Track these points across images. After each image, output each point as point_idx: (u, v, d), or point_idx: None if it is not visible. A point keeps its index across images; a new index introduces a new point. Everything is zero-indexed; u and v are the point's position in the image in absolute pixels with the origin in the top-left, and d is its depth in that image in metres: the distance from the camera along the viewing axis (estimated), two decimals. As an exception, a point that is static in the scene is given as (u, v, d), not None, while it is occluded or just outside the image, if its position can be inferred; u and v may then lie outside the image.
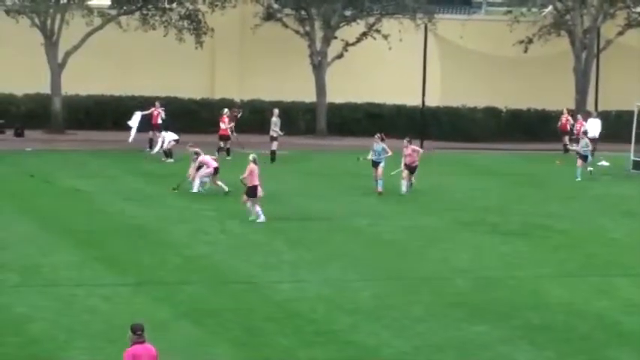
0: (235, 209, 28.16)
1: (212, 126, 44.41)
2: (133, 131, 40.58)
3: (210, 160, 30.12)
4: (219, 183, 30.14)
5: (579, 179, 35.26)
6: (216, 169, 30.09)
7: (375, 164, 31.24)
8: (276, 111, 39.66)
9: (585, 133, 38.50)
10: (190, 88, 47.20)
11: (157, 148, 38.73)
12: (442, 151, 43.35)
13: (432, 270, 22.34)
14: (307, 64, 46.81)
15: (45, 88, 45.64)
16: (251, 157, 26.67)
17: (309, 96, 47.04)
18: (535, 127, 46.55)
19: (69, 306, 18.74)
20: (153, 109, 40.92)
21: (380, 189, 30.93)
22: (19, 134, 44.43)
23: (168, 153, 37.61)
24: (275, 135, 38.76)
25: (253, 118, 42.03)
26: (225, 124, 39.35)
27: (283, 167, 37.39)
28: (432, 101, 46.44)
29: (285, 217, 27.53)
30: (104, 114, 46.24)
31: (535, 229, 26.97)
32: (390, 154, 31.25)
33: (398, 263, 22.85)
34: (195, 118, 46.41)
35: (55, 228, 25.52)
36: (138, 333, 12.71)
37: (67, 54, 44.67)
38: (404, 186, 31.09)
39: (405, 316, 18.62)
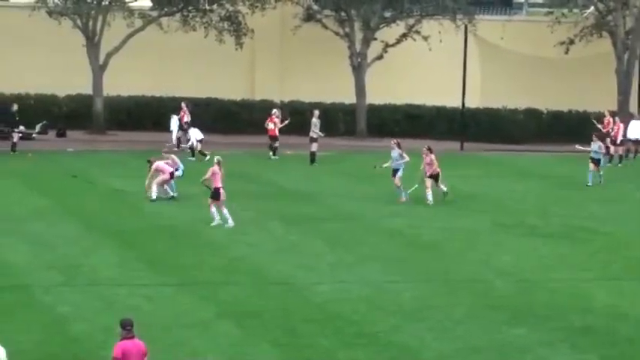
0: (274, 210, 28.25)
1: (252, 127, 44.66)
2: (174, 135, 41.07)
3: (164, 166, 30.03)
4: (166, 188, 29.98)
5: (590, 184, 34.50)
6: (171, 175, 29.97)
7: (394, 172, 30.35)
8: (316, 112, 39.69)
9: (598, 136, 37.44)
10: (230, 89, 47.36)
11: (189, 144, 39.45)
12: (482, 153, 43.21)
13: (472, 272, 22.27)
14: (347, 65, 46.80)
15: (87, 89, 45.98)
16: (215, 158, 26.54)
17: (348, 97, 47.02)
18: (576, 129, 46.17)
19: (111, 305, 18.89)
20: (181, 110, 41.41)
21: (403, 198, 29.97)
22: (61, 135, 44.80)
23: (202, 152, 38.07)
24: (315, 136, 38.79)
25: (293, 119, 42.04)
26: (277, 124, 39.67)
27: (322, 168, 37.44)
28: (472, 102, 46.25)
29: (325, 218, 27.56)
30: (145, 115, 46.52)
31: (575, 231, 26.80)
32: (407, 159, 30.26)
33: (437, 265, 22.81)
34: (235, 120, 46.64)
35: (97, 228, 25.71)
36: (127, 328, 12.83)
37: (109, 55, 44.99)
38: (429, 195, 29.90)
39: (446, 317, 18.60)
